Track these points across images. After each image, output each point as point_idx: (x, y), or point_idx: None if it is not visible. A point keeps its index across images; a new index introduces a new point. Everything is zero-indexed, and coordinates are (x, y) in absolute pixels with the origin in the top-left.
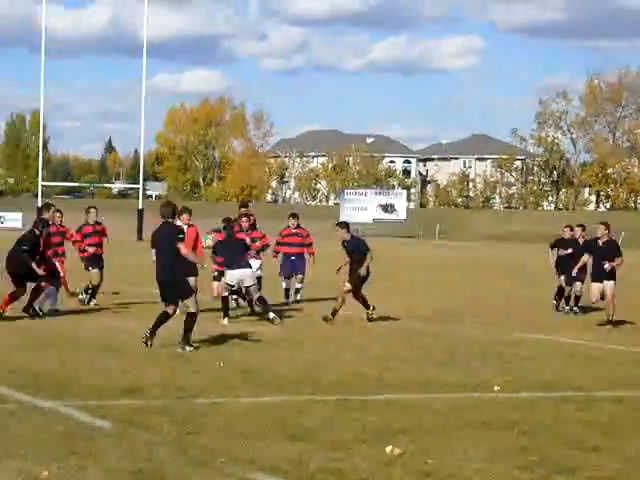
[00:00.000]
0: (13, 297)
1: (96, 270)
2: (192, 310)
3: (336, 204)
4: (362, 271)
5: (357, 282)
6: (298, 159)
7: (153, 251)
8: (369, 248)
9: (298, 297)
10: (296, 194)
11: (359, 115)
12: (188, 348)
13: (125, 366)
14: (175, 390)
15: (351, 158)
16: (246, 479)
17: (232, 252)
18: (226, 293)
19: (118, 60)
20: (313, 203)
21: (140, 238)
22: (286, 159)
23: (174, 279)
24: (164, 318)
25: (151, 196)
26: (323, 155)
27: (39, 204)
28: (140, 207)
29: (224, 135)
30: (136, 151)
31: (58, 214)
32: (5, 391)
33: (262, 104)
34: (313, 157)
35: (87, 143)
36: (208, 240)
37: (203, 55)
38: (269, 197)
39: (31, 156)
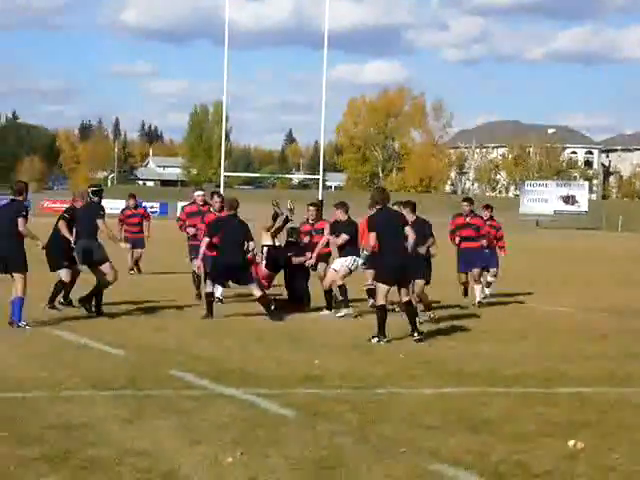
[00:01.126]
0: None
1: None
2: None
3: (516, 195)
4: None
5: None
6: (477, 150)
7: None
8: (432, 233)
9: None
10: (475, 185)
11: (539, 105)
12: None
13: (306, 355)
14: (356, 380)
15: (531, 149)
16: (428, 470)
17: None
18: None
19: (299, 51)
20: (492, 194)
21: None
22: (465, 150)
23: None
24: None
25: (331, 187)
26: (503, 146)
27: (319, 197)
28: (320, 198)
29: (403, 126)
30: (316, 142)
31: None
32: (190, 378)
33: (441, 94)
34: (493, 148)
35: (268, 134)
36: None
37: (383, 46)
38: (448, 188)
39: (213, 147)
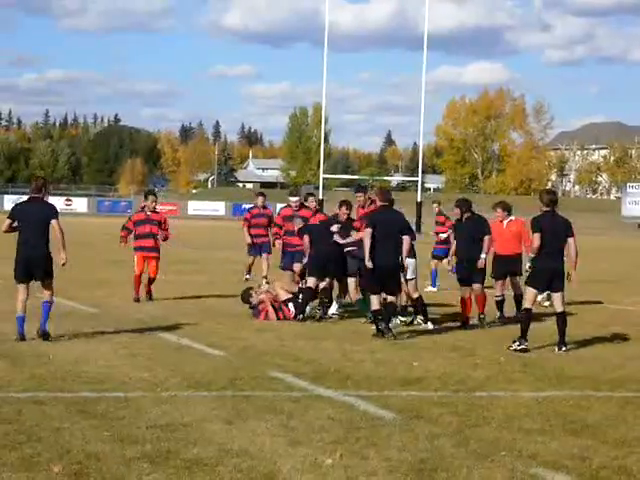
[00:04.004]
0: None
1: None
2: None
3: (618, 198)
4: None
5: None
6: (579, 152)
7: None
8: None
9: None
10: (576, 187)
11: None
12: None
13: (405, 357)
14: (455, 383)
15: (634, 150)
16: (528, 474)
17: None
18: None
19: (400, 53)
20: (594, 196)
21: (418, 231)
22: (566, 152)
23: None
24: None
25: (429, 189)
26: (605, 147)
27: (320, 196)
28: (419, 200)
29: (503, 127)
30: (415, 144)
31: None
32: (290, 379)
33: (542, 96)
34: (594, 149)
35: (367, 136)
36: None
37: (484, 47)
38: None
39: (312, 149)
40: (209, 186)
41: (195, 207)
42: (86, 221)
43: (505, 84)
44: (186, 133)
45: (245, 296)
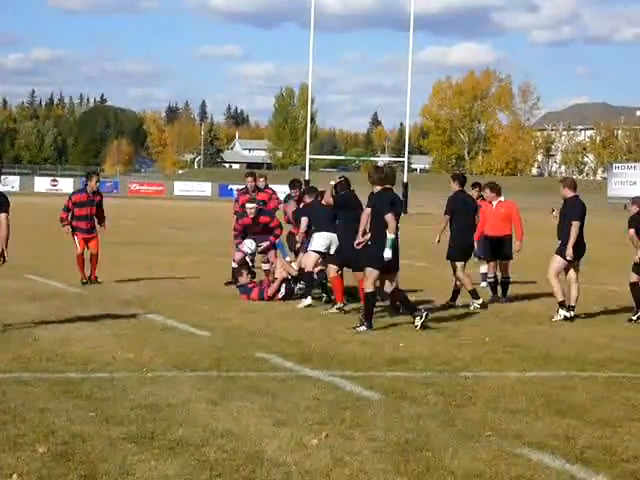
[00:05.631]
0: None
1: None
2: None
3: (604, 178)
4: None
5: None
6: (565, 132)
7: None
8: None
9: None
10: (562, 168)
11: (629, 87)
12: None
13: (391, 338)
14: (441, 363)
15: (620, 131)
16: (513, 453)
17: None
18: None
19: (386, 34)
20: (580, 177)
21: (404, 212)
22: (552, 132)
23: None
24: None
25: (416, 169)
26: (590, 128)
27: (307, 177)
28: (405, 181)
29: (490, 108)
30: (402, 124)
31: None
32: (276, 360)
33: (529, 76)
34: (580, 130)
35: (353, 117)
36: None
37: (471, 28)
38: (534, 171)
39: (299, 130)
40: (195, 167)
41: (181, 188)
42: None
43: (492, 65)
44: (172, 113)
45: (235, 274)
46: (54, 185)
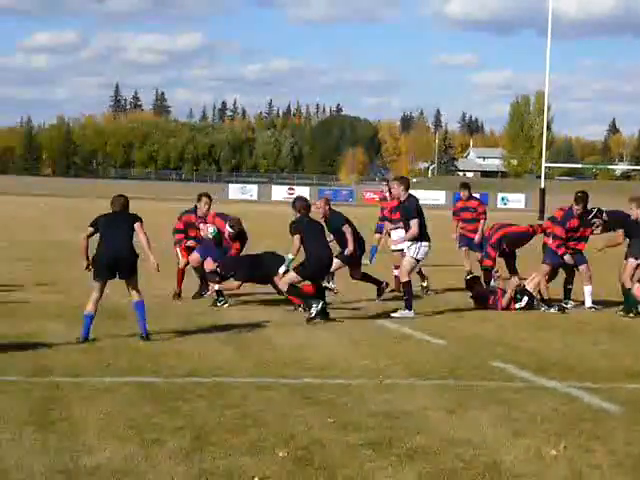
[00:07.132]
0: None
1: None
2: None
3: None
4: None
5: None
6: None
7: None
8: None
9: None
10: None
11: None
12: None
13: (631, 349)
14: None
15: None
16: None
17: None
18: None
19: (626, 40)
20: None
21: None
22: None
23: None
24: None
25: None
26: None
27: (542, 185)
28: None
29: None
30: None
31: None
32: (511, 369)
33: None
34: None
35: (590, 124)
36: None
37: None
38: None
39: (534, 138)
40: (429, 175)
41: (416, 196)
42: None
43: None
44: (407, 122)
45: (470, 283)
46: (291, 193)
